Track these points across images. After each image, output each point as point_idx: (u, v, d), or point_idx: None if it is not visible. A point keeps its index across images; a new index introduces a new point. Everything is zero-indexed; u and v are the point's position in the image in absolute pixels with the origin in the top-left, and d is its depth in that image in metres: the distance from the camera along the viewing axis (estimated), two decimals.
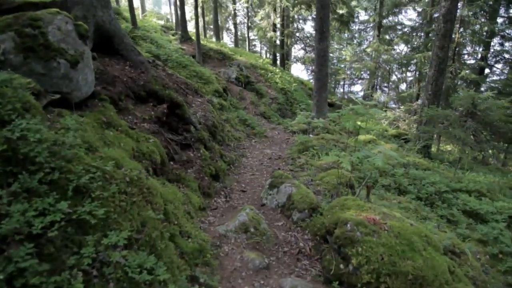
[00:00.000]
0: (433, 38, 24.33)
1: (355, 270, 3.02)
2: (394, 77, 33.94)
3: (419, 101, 16.88)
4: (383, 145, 9.88)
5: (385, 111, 18.96)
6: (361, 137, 10.32)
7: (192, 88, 8.97)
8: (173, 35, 18.69)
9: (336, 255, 3.26)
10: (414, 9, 28.69)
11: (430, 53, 18.75)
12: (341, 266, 3.13)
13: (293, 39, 32.69)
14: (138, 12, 30.04)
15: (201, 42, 17.87)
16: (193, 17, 32.31)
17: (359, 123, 14.58)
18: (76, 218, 2.16)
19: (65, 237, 2.08)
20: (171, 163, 4.83)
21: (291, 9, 22.25)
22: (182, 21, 17.07)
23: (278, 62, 25.09)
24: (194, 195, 4.50)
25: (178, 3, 16.50)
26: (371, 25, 32.95)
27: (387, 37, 30.14)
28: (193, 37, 17.45)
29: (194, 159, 5.37)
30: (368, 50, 27.71)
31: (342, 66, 40.73)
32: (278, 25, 22.70)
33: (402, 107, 18.93)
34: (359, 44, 39.72)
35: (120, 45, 5.76)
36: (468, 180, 8.01)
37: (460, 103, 9.31)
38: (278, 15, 21.73)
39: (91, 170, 2.46)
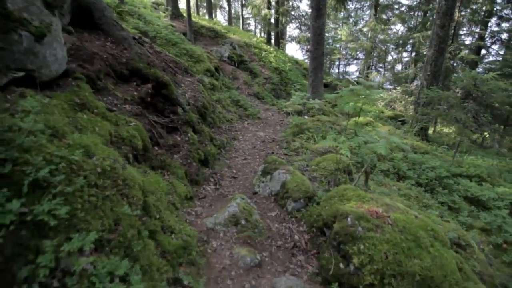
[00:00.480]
0: (432, 17, 23.93)
1: (356, 270, 2.73)
2: (390, 58, 33.49)
3: (416, 82, 16.55)
4: (380, 127, 9.58)
5: (381, 91, 18.59)
6: (359, 119, 10.00)
7: (181, 67, 8.54)
8: (164, 12, 17.98)
9: (335, 253, 2.97)
10: None
11: (429, 32, 18.32)
12: (341, 265, 2.85)
13: (288, 18, 31.96)
14: None
15: (193, 19, 17.21)
16: None
17: (358, 104, 14.20)
18: (32, 219, 1.81)
19: (17, 244, 1.75)
20: (156, 148, 4.47)
21: None
22: None
23: (272, 41, 24.43)
24: (180, 183, 4.16)
25: None
26: (368, 3, 32.25)
27: (384, 16, 29.50)
28: (185, 14, 16.77)
29: (181, 144, 5.01)
30: (365, 29, 27.11)
31: (338, 46, 40.14)
32: (273, 3, 21.98)
33: (398, 88, 18.56)
34: (355, 24, 39.05)
35: (101, 19, 5.30)
36: (468, 165, 7.76)
37: (461, 84, 8.98)
38: None
39: (54, 160, 2.11)
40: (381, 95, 18.22)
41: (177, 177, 4.33)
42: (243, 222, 3.55)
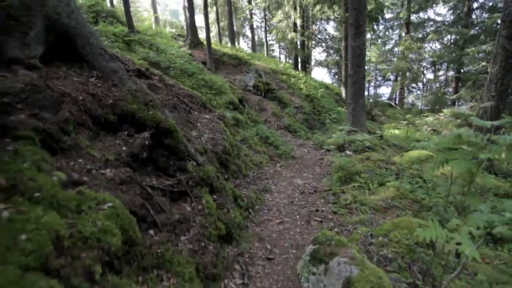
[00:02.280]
0: (472, 32, 22.10)
1: None
2: (423, 77, 31.56)
3: (470, 104, 14.65)
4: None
5: (426, 116, 16.73)
6: (413, 153, 8.29)
7: (198, 102, 7.23)
8: (183, 42, 17.14)
9: None
10: (445, 2, 26.31)
11: (483, 46, 16.50)
12: None
13: (314, 41, 30.93)
14: (150, 22, 28.99)
15: (214, 47, 16.23)
16: (213, 21, 31.07)
17: (396, 131, 12.25)
18: None
19: None
20: (151, 232, 3.00)
21: (310, 8, 20.45)
22: (191, 24, 15.42)
23: (299, 66, 23.19)
24: None
25: (186, 4, 14.87)
26: (397, 23, 30.77)
27: (415, 34, 27.86)
28: (205, 42, 15.81)
29: (192, 216, 3.52)
30: (400, 48, 25.39)
31: (367, 67, 38.68)
32: (299, 26, 20.85)
33: (446, 111, 16.62)
34: (384, 44, 37.74)
35: (85, 48, 4.03)
36: None
37: None
38: (298, 14, 19.88)
39: None
40: (427, 118, 16.37)
41: (182, 279, 2.83)
42: None
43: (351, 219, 4.66)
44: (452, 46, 25.46)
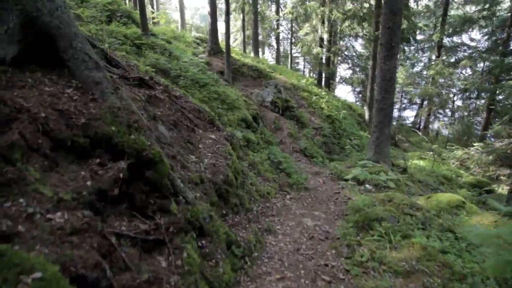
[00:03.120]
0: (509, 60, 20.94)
1: None
2: (452, 104, 30.27)
3: (505, 141, 13.56)
4: (478, 215, 6.87)
5: (454, 147, 15.65)
6: (443, 196, 7.41)
7: (205, 118, 6.59)
8: (204, 48, 16.66)
9: None
10: (481, 28, 25.26)
11: None
12: None
13: (340, 57, 30.22)
14: (177, 25, 28.94)
15: (235, 56, 15.68)
16: (238, 29, 30.71)
17: (421, 162, 11.16)
18: None
19: None
20: None
21: (339, 24, 19.78)
22: (212, 31, 14.89)
23: (323, 82, 22.45)
24: None
25: (209, 8, 14.37)
26: (428, 45, 29.73)
27: (447, 59, 26.80)
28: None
29: (167, 274, 2.81)
30: (430, 72, 24.32)
31: None
32: (325, 41, 20.14)
33: (477, 145, 15.50)
34: (412, 66, 36.81)
35: (67, 52, 3.43)
36: None
37: None
38: (326, 29, 19.19)
39: None
40: (456, 152, 15.31)
41: None
42: None
43: (366, 283, 3.87)
44: (485, 74, 24.28)
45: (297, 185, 7.10)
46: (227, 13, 11.55)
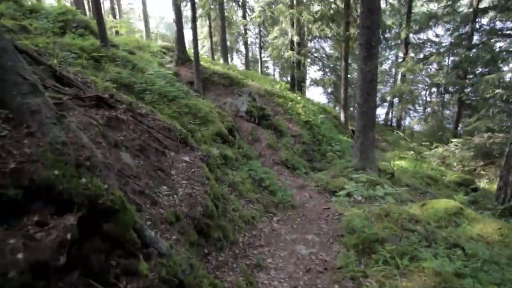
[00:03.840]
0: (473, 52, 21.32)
1: None
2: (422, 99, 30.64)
3: (485, 135, 13.46)
4: (477, 221, 6.45)
5: (436, 147, 15.50)
6: (439, 203, 6.97)
7: (177, 137, 5.89)
8: (171, 57, 15.87)
9: None
10: (445, 24, 25.72)
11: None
12: None
13: (309, 60, 29.99)
14: (141, 35, 28.14)
15: (205, 64, 14.99)
16: (205, 36, 29.92)
17: (403, 162, 10.68)
18: None
19: None
20: None
21: (309, 25, 19.42)
22: (178, 38, 14.09)
23: (295, 86, 22.05)
24: None
25: (174, 16, 13.59)
26: (394, 43, 30.03)
27: (416, 56, 27.11)
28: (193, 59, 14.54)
29: None
30: (401, 70, 24.37)
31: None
32: (295, 44, 19.72)
33: (455, 140, 15.33)
34: (381, 64, 37.11)
35: None
36: None
37: None
38: (295, 31, 18.78)
39: None
40: (437, 149, 15.15)
41: None
42: None
43: None
44: (452, 68, 24.75)
45: (283, 204, 6.48)
46: (194, 20, 10.86)
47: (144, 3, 33.12)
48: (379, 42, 8.73)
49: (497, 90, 13.34)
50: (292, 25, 18.58)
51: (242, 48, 36.65)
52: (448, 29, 25.56)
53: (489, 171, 14.32)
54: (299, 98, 15.86)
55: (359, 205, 6.96)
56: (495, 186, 10.76)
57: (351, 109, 28.83)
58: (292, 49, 19.33)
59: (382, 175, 9.00)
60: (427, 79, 27.83)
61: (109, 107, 5.02)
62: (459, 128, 22.86)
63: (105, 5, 29.07)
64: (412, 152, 15.34)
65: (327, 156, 11.42)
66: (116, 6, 28.36)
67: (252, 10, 26.56)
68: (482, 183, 13.45)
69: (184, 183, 4.50)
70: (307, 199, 7.14)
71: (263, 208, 6.11)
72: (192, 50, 11.42)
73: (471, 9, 21.47)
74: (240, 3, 26.69)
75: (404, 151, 17.25)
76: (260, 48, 30.48)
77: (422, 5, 27.08)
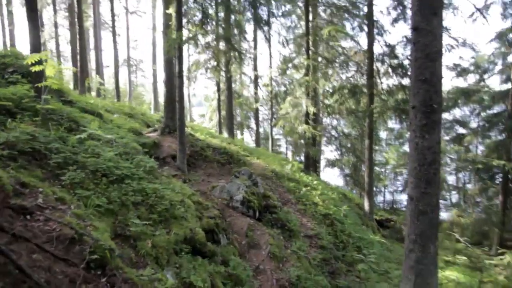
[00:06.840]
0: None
1: None
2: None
3: None
4: None
5: (502, 253, 12.16)
6: None
7: (83, 257, 2.91)
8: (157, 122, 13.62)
9: None
10: (473, 102, 23.94)
11: None
12: None
13: (325, 138, 27.97)
14: (149, 106, 27.88)
15: (197, 136, 12.52)
16: (214, 109, 28.73)
17: (455, 273, 6.78)
18: None
19: None
20: None
21: (327, 99, 17.44)
22: (167, 103, 11.52)
23: (310, 166, 19.43)
24: None
25: (164, 75, 11.35)
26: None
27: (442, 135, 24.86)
28: (188, 128, 12.17)
29: None
30: None
31: (382, 170, 36.01)
32: (311, 116, 17.53)
33: None
34: (402, 145, 35.55)
35: None
36: None
37: None
38: (311, 102, 16.67)
39: None
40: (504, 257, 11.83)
41: None
42: None
43: None
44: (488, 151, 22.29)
45: None
46: (180, 75, 8.48)
47: (154, 76, 33.74)
48: (440, 105, 5.99)
49: None
50: (308, 94, 16.49)
51: (253, 124, 35.14)
52: (474, 108, 24.08)
53: None
54: (315, 182, 13.01)
55: None
56: None
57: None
58: (307, 122, 17.03)
59: None
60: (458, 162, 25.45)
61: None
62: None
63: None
64: (463, 257, 12.01)
65: (356, 267, 8.17)
66: (100, 62, 27.54)
67: (264, 85, 25.52)
68: None
69: None
70: None
71: None
72: (177, 116, 8.96)
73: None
74: (251, 78, 25.90)
75: (448, 252, 13.82)
76: (272, 124, 28.62)
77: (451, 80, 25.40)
